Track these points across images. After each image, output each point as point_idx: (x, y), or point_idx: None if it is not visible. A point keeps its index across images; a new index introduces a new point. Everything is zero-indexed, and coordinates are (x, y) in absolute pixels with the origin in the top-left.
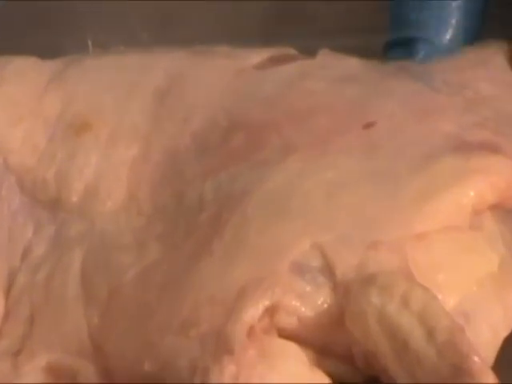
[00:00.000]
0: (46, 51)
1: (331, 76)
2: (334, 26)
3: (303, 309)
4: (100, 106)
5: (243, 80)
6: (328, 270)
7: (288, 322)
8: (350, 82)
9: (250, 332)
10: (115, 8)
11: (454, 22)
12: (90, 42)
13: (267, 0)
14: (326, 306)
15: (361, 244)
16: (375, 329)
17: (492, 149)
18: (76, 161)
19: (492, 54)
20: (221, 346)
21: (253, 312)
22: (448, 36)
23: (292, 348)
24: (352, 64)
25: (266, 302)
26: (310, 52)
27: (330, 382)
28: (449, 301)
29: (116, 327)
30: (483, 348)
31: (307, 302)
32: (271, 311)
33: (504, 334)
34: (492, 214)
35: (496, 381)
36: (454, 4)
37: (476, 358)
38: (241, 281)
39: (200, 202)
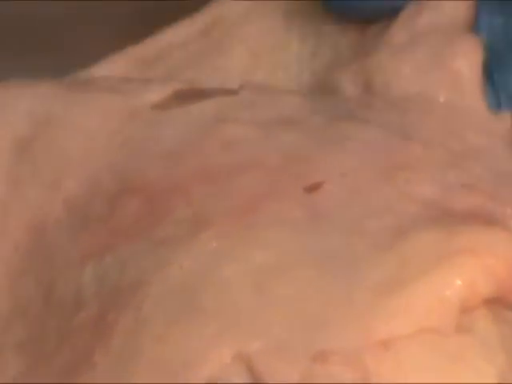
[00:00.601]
0: None
1: (261, 119)
2: None
3: None
4: None
5: (138, 125)
6: None
7: None
8: (286, 126)
9: None
10: None
11: None
12: None
13: None
14: None
15: (303, 354)
16: None
17: (486, 219)
18: None
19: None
20: None
21: None
22: None
23: None
24: (289, 102)
25: None
26: None
27: None
28: None
29: None
30: None
31: None
32: None
33: None
34: (488, 311)
35: None
36: None
37: None
38: None
39: (77, 297)
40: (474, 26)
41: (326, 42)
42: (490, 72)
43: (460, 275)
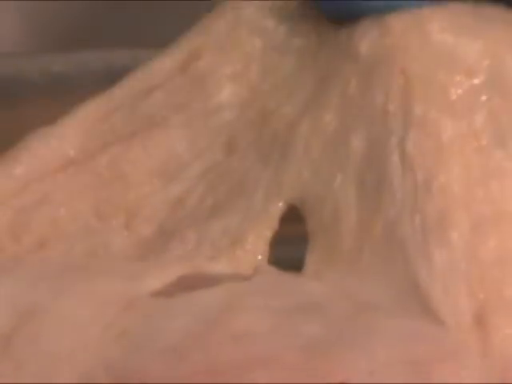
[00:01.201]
0: None
1: (277, 307)
2: None
3: None
4: None
5: (136, 315)
6: None
7: None
8: (306, 316)
9: None
10: None
11: None
12: None
13: None
14: None
15: None
16: None
17: None
18: None
19: None
20: None
21: None
22: None
23: None
24: (311, 288)
25: None
26: None
27: None
28: None
29: None
30: None
31: None
32: None
33: None
34: None
35: None
36: None
37: None
38: None
39: None
40: None
41: None
42: None
43: None
